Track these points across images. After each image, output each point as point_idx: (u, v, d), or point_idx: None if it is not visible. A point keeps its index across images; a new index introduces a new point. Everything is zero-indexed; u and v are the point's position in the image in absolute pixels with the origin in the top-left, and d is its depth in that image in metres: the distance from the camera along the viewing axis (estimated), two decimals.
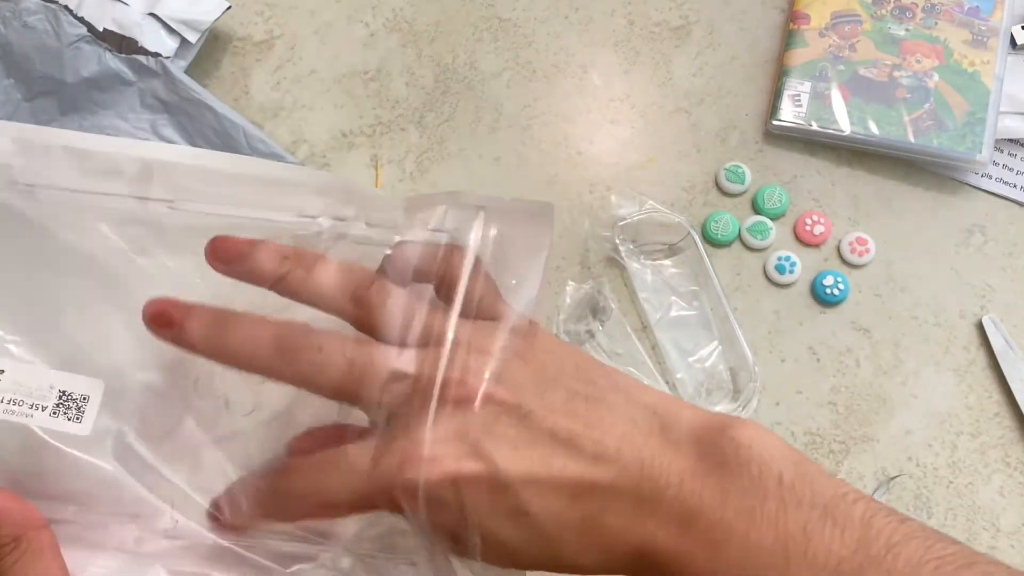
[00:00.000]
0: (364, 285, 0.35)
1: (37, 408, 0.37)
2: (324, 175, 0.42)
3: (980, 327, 0.56)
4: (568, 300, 0.54)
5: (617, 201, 0.57)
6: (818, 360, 0.56)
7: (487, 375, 0.32)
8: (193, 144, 0.58)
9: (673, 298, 0.56)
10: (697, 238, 0.56)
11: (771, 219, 0.58)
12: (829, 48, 0.61)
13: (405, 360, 0.33)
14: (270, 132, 0.61)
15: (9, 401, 0.37)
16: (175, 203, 0.40)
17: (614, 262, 0.58)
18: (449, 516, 0.31)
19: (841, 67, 0.60)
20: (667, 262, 0.57)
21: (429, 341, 0.33)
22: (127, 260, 0.40)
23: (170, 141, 0.58)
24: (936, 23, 0.61)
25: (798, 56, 0.61)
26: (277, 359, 0.34)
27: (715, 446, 0.32)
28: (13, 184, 0.40)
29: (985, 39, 0.60)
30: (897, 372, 0.56)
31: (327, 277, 0.35)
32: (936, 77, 0.60)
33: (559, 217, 0.59)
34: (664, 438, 0.32)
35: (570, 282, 0.55)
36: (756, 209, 0.59)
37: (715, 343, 0.55)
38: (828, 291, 0.57)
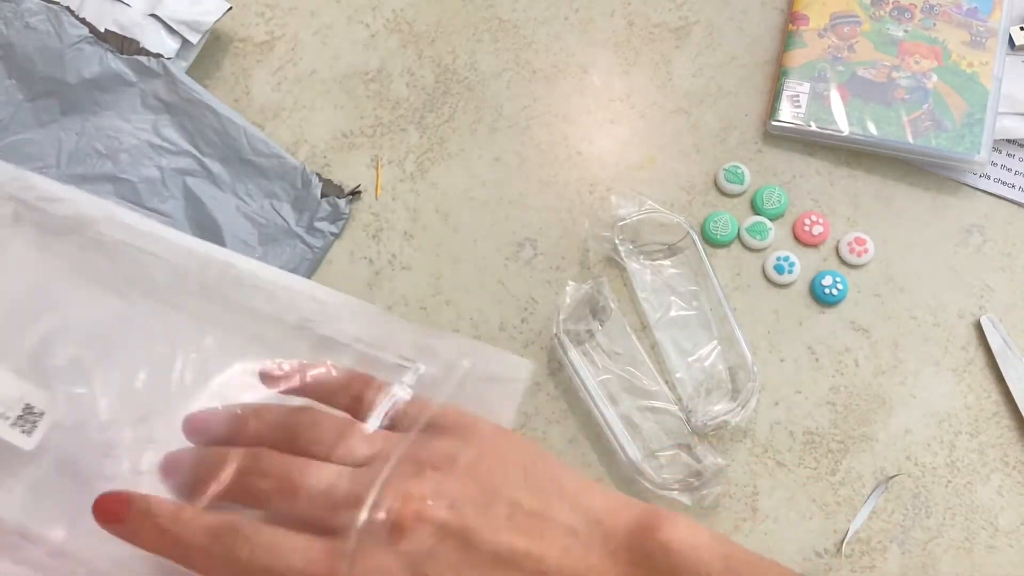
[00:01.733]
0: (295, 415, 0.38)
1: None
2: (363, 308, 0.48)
3: (979, 327, 0.57)
4: (568, 300, 0.54)
5: (617, 201, 0.57)
6: (817, 360, 0.56)
7: (427, 497, 0.33)
8: (194, 144, 0.59)
9: (672, 298, 0.56)
10: (696, 238, 0.57)
11: (770, 219, 0.59)
12: (828, 49, 0.61)
13: (343, 480, 0.35)
14: (271, 132, 0.61)
15: None
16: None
17: (614, 262, 0.58)
18: None
19: (840, 68, 0.60)
20: (667, 262, 0.57)
21: (369, 460, 0.35)
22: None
23: (171, 142, 0.58)
24: (935, 24, 0.61)
25: (797, 57, 0.61)
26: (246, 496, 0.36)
27: (646, 554, 0.33)
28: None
29: (984, 40, 0.61)
30: (896, 372, 0.56)
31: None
32: (935, 78, 0.60)
33: (559, 217, 0.59)
34: (603, 548, 0.33)
35: (570, 282, 0.55)
36: (755, 209, 0.59)
37: (714, 343, 0.55)
38: (827, 291, 0.57)
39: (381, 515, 0.33)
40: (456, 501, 0.33)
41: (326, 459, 0.36)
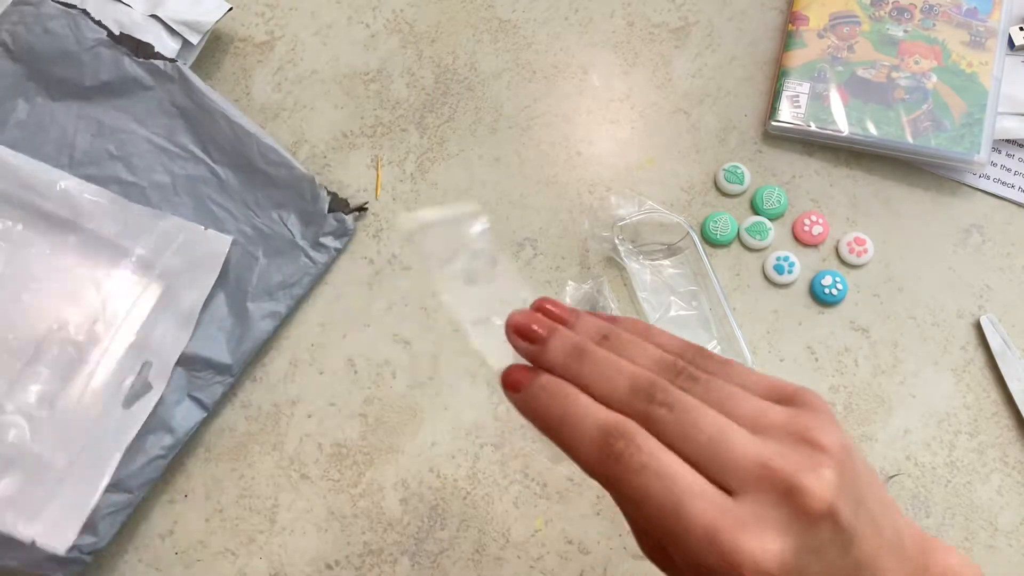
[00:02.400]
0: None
1: None
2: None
3: (978, 327, 0.57)
4: (568, 300, 0.54)
5: (616, 201, 0.57)
6: (816, 360, 0.56)
7: (833, 484, 0.30)
8: (206, 152, 0.59)
9: (672, 298, 0.56)
10: (696, 238, 0.57)
11: (770, 219, 0.59)
12: (828, 49, 0.61)
13: (764, 450, 0.31)
14: (271, 132, 0.61)
15: None
16: None
17: (614, 262, 0.58)
18: None
19: (840, 68, 0.60)
20: (666, 262, 0.57)
21: (771, 431, 0.32)
22: None
23: (184, 148, 0.59)
24: (934, 24, 0.61)
25: (797, 57, 0.61)
26: (631, 400, 0.32)
27: None
28: None
29: (983, 40, 0.61)
30: (895, 372, 0.56)
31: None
32: (934, 78, 0.60)
33: (559, 217, 0.59)
34: (907, 569, 0.32)
35: (570, 282, 0.55)
36: (755, 209, 0.59)
37: (714, 343, 0.55)
38: (827, 291, 0.57)
39: (793, 493, 0.30)
40: (850, 500, 0.31)
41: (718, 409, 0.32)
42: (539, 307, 0.36)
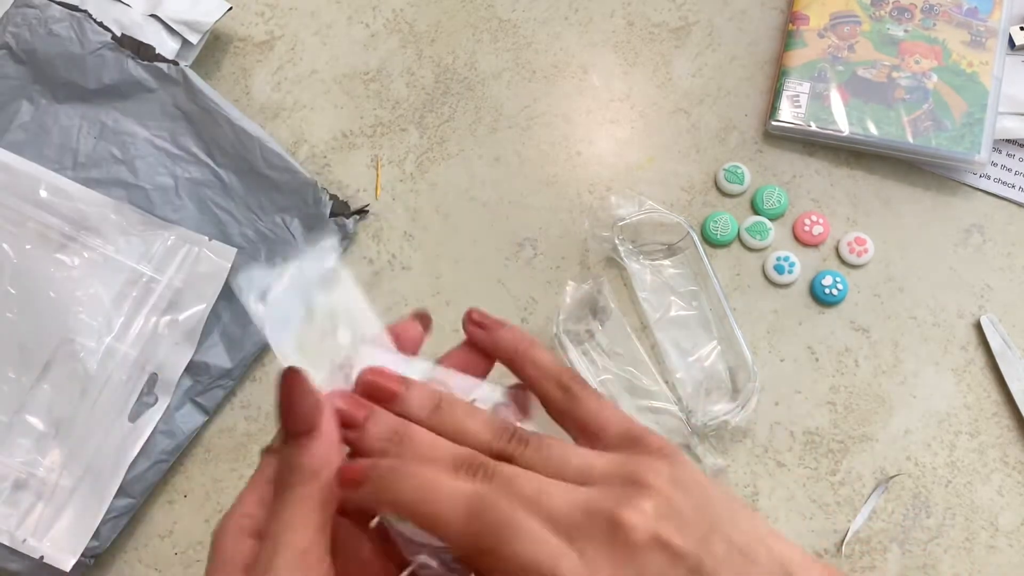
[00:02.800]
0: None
1: None
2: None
3: (978, 327, 0.57)
4: (568, 300, 0.54)
5: (616, 201, 0.57)
6: (817, 360, 0.56)
7: (652, 513, 0.30)
8: (210, 155, 0.59)
9: (672, 298, 0.56)
10: (696, 238, 0.57)
11: (770, 219, 0.59)
12: (828, 49, 0.61)
13: (583, 496, 0.31)
14: (271, 132, 0.61)
15: None
16: None
17: (614, 262, 0.58)
18: None
19: (840, 68, 0.60)
20: (666, 262, 0.57)
21: (598, 480, 0.32)
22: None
23: (188, 151, 0.59)
24: (935, 24, 0.61)
25: (797, 57, 0.61)
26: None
27: None
28: None
29: (984, 40, 0.61)
30: (896, 372, 0.56)
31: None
32: (935, 77, 0.60)
33: (559, 217, 0.59)
34: None
35: (570, 282, 0.55)
36: (755, 209, 0.59)
37: (714, 343, 0.55)
38: (827, 291, 0.57)
39: (614, 529, 0.30)
40: (683, 526, 0.31)
41: (544, 472, 0.32)
42: (362, 381, 0.34)
